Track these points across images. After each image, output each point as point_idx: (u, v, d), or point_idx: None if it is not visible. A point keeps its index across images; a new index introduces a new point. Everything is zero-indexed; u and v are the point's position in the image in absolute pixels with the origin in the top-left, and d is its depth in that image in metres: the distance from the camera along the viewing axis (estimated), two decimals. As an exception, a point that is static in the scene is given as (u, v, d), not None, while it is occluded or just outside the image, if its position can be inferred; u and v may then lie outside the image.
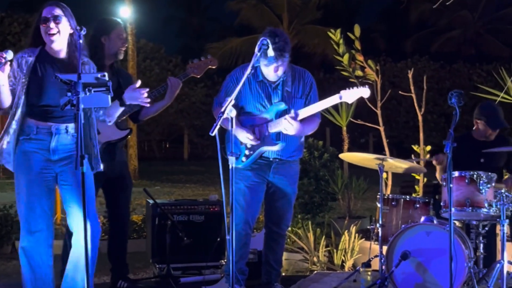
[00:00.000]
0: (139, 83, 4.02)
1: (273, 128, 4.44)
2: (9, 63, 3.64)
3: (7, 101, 3.74)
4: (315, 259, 5.92)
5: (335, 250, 5.97)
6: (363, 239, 6.03)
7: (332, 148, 7.89)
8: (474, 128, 5.28)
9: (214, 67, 4.97)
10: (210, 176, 17.48)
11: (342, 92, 4.36)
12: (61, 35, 3.79)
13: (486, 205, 4.35)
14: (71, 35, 3.82)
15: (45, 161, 3.82)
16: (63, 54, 3.87)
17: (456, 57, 27.12)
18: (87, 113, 3.85)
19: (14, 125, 3.77)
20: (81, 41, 3.46)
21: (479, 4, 28.36)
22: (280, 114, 4.45)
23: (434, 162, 5.19)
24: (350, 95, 4.35)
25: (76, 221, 3.80)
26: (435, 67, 24.84)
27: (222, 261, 5.30)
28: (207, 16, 40.34)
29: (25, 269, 3.86)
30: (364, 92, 4.35)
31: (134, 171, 16.69)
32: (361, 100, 5.98)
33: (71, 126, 3.81)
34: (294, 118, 4.34)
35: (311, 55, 26.07)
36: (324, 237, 6.12)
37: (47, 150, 3.81)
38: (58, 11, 3.79)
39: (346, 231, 6.04)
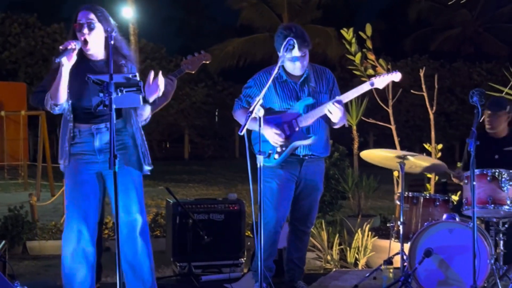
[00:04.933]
0: (152, 75, 3.91)
1: (304, 123, 4.46)
2: (76, 51, 3.66)
3: (64, 95, 3.74)
4: (328, 257, 5.95)
5: (348, 248, 5.99)
6: (376, 237, 6.05)
7: (342, 147, 7.92)
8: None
9: (208, 62, 4.98)
10: (212, 176, 17.47)
11: (374, 79, 4.43)
12: (95, 40, 3.80)
13: (508, 202, 4.38)
14: (107, 37, 3.80)
15: (92, 163, 3.86)
16: (100, 57, 3.90)
17: (456, 56, 27.18)
18: (131, 116, 3.91)
19: (64, 130, 3.84)
20: (112, 42, 3.48)
21: (478, 3, 28.40)
22: (308, 109, 4.48)
23: (454, 179, 5.20)
24: (381, 81, 4.42)
25: (122, 228, 3.82)
26: (435, 66, 24.87)
27: (242, 259, 5.34)
28: (206, 16, 40.30)
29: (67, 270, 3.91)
30: (395, 76, 4.40)
31: (137, 171, 16.64)
32: (370, 98, 6.03)
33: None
34: (340, 102, 4.37)
35: (311, 54, 25.98)
36: (337, 235, 6.14)
37: (93, 151, 3.85)
38: (92, 16, 3.80)
39: (359, 229, 6.07)
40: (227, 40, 25.85)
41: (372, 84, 4.42)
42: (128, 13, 16.55)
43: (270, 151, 4.46)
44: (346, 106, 7.11)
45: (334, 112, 4.38)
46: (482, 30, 29.77)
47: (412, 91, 7.42)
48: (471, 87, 18.65)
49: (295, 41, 3.98)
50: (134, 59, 4.06)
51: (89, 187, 3.87)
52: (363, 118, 7.17)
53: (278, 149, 4.48)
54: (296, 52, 4.07)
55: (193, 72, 4.96)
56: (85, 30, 3.78)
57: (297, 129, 4.47)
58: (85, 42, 3.78)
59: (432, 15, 28.97)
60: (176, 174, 18.63)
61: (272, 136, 4.44)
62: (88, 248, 3.88)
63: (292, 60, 4.43)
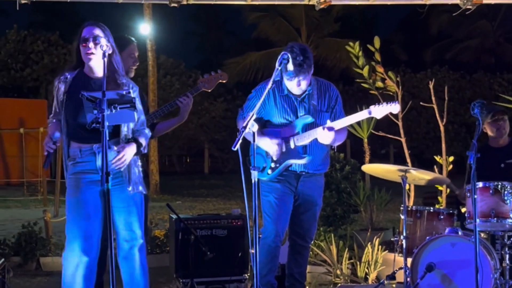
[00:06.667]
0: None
1: (300, 142, 4.45)
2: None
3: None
4: (338, 271, 5.89)
5: (358, 263, 5.93)
6: (386, 251, 5.98)
7: (354, 160, 7.87)
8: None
9: (224, 81, 5.05)
10: (231, 190, 17.50)
11: (372, 108, 4.37)
12: (99, 56, 3.80)
13: (511, 215, 4.32)
14: (110, 55, 3.82)
15: (94, 182, 3.86)
16: (100, 74, 3.85)
17: (476, 67, 26.99)
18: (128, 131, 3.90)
19: (64, 150, 3.88)
20: (105, 59, 3.50)
21: (498, 13, 28.17)
22: (306, 128, 4.47)
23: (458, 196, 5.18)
24: (379, 111, 4.37)
25: (123, 246, 3.83)
26: (455, 77, 24.71)
27: (246, 275, 5.31)
28: (225, 31, 40.59)
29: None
30: (394, 108, 4.36)
31: (155, 186, 16.76)
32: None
33: (112, 142, 3.81)
34: (331, 129, 4.35)
35: (330, 67, 26.09)
36: (347, 249, 6.09)
37: (95, 170, 3.85)
38: (97, 31, 3.85)
39: (369, 243, 6.01)
40: (245, 54, 25.98)
41: (369, 113, 4.39)
42: (145, 29, 16.69)
43: (264, 165, 4.47)
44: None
45: (321, 138, 4.38)
46: (502, 40, 29.52)
47: (421, 103, 7.36)
48: (492, 97, 18.48)
49: (289, 55, 3.97)
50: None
51: (90, 206, 3.87)
52: (373, 132, 7.12)
53: (272, 165, 4.49)
54: (290, 67, 4.06)
55: (209, 90, 5.02)
56: (91, 44, 3.82)
57: (293, 147, 4.46)
58: (90, 55, 3.81)
59: (452, 26, 28.80)
60: (195, 188, 18.69)
61: (271, 146, 4.43)
62: (88, 269, 3.87)
63: (288, 79, 4.41)
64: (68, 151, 3.87)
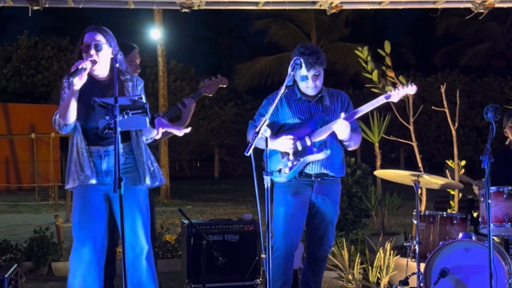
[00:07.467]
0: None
1: (317, 137, 4.41)
2: (87, 71, 3.68)
3: (73, 115, 3.75)
4: (350, 276, 5.87)
5: (370, 267, 5.91)
6: (398, 255, 5.95)
7: (365, 164, 7.85)
8: (508, 141, 5.24)
9: (225, 86, 5.10)
10: (241, 194, 17.52)
11: (390, 92, 4.39)
12: (102, 61, 3.82)
13: (525, 220, 4.30)
14: (112, 58, 3.81)
15: (99, 184, 3.86)
16: (106, 77, 3.91)
17: (487, 70, 26.87)
18: (137, 134, 3.88)
19: (73, 148, 3.85)
20: (117, 65, 3.50)
21: (508, 16, 28.04)
22: (322, 124, 4.44)
23: (475, 189, 5.14)
24: (397, 94, 4.36)
25: (127, 253, 3.74)
26: (466, 81, 24.62)
27: (258, 280, 5.30)
28: (235, 36, 40.68)
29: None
30: (411, 89, 4.36)
31: (166, 190, 16.80)
32: (392, 115, 5.98)
33: (120, 147, 3.71)
34: (348, 118, 4.33)
35: (340, 72, 26.08)
36: (358, 254, 6.06)
37: (100, 173, 3.86)
38: (99, 37, 3.83)
39: (381, 248, 5.98)
40: (255, 59, 26.03)
41: (387, 97, 4.37)
42: (156, 34, 16.74)
43: (280, 166, 4.42)
44: (368, 123, 7.11)
45: (338, 129, 4.34)
46: (513, 44, 29.39)
47: (433, 107, 7.34)
48: (502, 101, 18.40)
49: (301, 60, 3.96)
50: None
51: (96, 208, 3.87)
52: (384, 136, 7.10)
53: (289, 164, 4.42)
54: (303, 71, 4.05)
55: (211, 95, 5.04)
56: (92, 51, 3.80)
57: (309, 144, 4.41)
58: (93, 62, 3.78)
59: (461, 29, 28.70)
60: (205, 193, 18.71)
61: (286, 142, 4.38)
62: (95, 271, 3.86)
63: (301, 79, 4.42)
64: (78, 149, 3.84)
